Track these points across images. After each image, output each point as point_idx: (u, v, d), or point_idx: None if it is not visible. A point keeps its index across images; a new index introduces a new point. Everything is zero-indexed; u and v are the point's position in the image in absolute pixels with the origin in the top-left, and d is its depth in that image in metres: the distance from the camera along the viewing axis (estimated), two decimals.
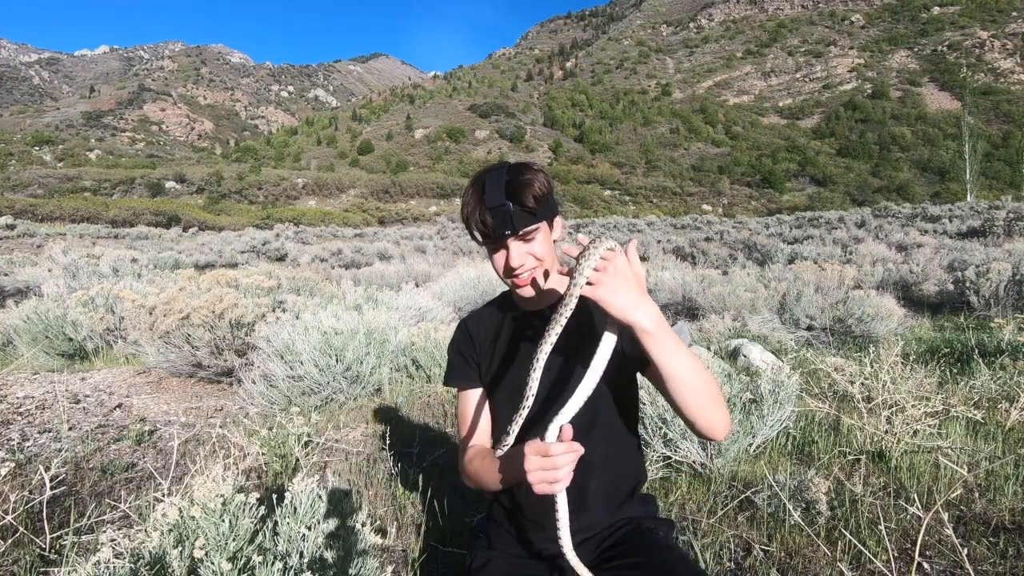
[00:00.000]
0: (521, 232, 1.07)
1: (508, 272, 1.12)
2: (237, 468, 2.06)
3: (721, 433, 1.04)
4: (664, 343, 0.94)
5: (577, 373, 1.10)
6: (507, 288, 1.29)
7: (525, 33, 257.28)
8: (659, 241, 17.61)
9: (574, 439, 0.97)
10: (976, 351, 3.64)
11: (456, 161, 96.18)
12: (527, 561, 1.19)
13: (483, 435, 1.25)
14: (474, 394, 1.27)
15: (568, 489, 0.98)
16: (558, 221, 1.17)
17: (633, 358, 1.14)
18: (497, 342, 1.26)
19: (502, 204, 1.04)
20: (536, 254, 1.11)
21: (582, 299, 0.99)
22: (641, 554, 1.09)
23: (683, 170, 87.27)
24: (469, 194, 1.10)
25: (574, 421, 0.97)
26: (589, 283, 0.93)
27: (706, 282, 7.01)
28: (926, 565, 1.68)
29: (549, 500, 0.95)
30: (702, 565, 1.69)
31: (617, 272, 0.92)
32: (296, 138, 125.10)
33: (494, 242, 1.10)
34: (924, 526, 1.24)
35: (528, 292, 1.15)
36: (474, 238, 1.13)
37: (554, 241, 1.16)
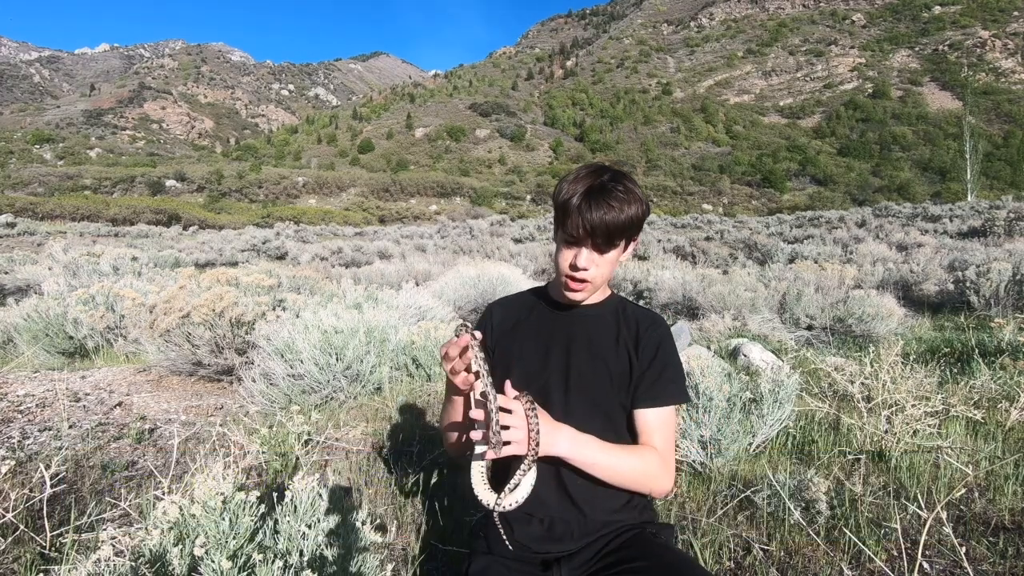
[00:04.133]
0: (597, 245, 1.14)
1: (572, 268, 1.17)
2: (237, 466, 2.07)
3: (655, 497, 1.22)
4: (583, 463, 1.10)
5: (577, 390, 1.21)
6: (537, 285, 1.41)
7: (526, 32, 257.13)
8: (659, 240, 17.60)
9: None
10: (976, 351, 3.64)
11: (456, 160, 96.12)
12: (527, 567, 1.18)
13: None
14: None
15: (569, 487, 1.15)
16: (633, 245, 1.23)
17: (630, 390, 1.23)
18: (521, 326, 1.31)
19: (594, 226, 1.10)
20: (600, 267, 1.17)
21: (596, 318, 1.26)
22: (647, 557, 1.09)
23: (683, 169, 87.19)
24: (578, 189, 1.13)
25: (585, 423, 1.15)
26: (507, 443, 1.00)
27: (706, 281, 7.00)
28: (926, 565, 1.68)
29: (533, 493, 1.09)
30: (701, 564, 1.69)
31: (524, 427, 1.02)
32: (296, 136, 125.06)
33: (572, 239, 1.15)
34: (927, 526, 1.24)
35: (576, 297, 1.22)
36: (557, 221, 1.18)
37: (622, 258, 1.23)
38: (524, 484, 1.03)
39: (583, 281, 1.17)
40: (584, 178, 1.13)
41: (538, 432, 1.00)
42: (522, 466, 1.01)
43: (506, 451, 0.99)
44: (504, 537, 1.08)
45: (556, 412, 1.18)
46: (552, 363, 1.23)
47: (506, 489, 1.00)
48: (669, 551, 1.11)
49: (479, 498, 1.02)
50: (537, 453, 1.01)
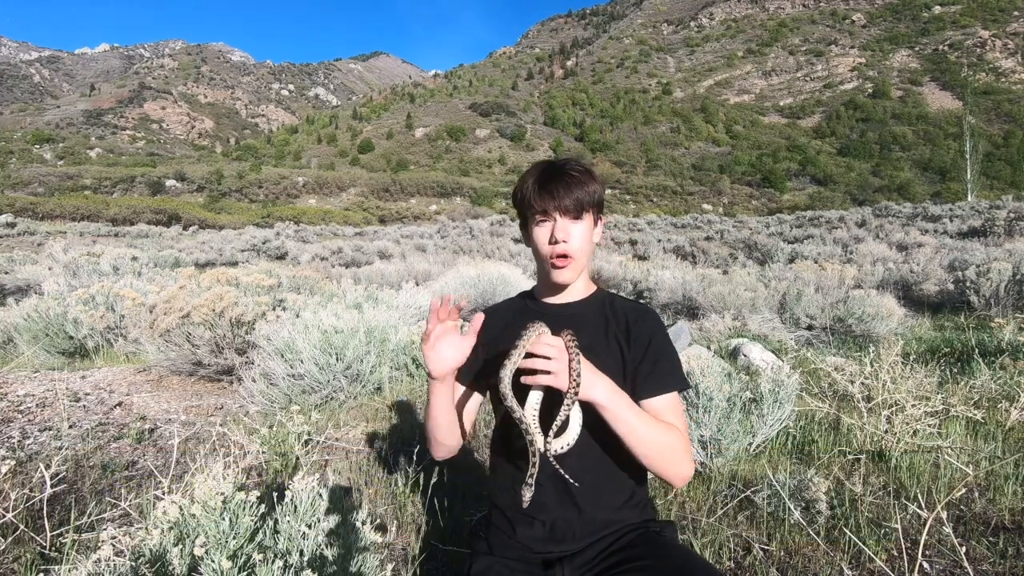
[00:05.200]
0: (568, 213, 1.17)
1: (552, 243, 1.18)
2: (237, 466, 2.06)
3: (676, 483, 1.15)
4: (616, 415, 1.04)
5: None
6: (526, 289, 1.40)
7: (526, 32, 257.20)
8: (659, 240, 17.60)
9: (580, 436, 1.08)
10: (976, 351, 3.64)
11: (456, 160, 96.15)
12: (529, 567, 1.18)
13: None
14: (460, 388, 1.32)
15: (569, 487, 1.12)
16: (600, 225, 1.25)
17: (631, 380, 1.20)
18: (511, 328, 1.29)
19: (559, 195, 1.15)
20: (577, 239, 1.19)
21: (582, 315, 1.23)
22: (653, 556, 1.09)
23: (683, 169, 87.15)
24: (530, 174, 1.21)
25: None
26: (548, 372, 0.99)
27: (706, 281, 7.00)
28: (926, 565, 1.68)
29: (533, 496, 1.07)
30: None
31: (564, 359, 1.00)
32: (296, 136, 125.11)
33: (543, 215, 1.18)
34: (927, 526, 1.24)
35: (565, 276, 1.21)
36: (522, 213, 1.23)
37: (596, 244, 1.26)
38: (572, 427, 1.04)
39: (566, 256, 1.18)
40: (534, 168, 1.22)
41: (579, 363, 1.00)
42: (564, 402, 1.00)
43: (546, 380, 1.00)
44: (532, 479, 1.04)
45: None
46: None
47: (552, 428, 1.02)
48: (675, 549, 1.11)
49: (534, 441, 1.01)
50: (579, 389, 0.99)
